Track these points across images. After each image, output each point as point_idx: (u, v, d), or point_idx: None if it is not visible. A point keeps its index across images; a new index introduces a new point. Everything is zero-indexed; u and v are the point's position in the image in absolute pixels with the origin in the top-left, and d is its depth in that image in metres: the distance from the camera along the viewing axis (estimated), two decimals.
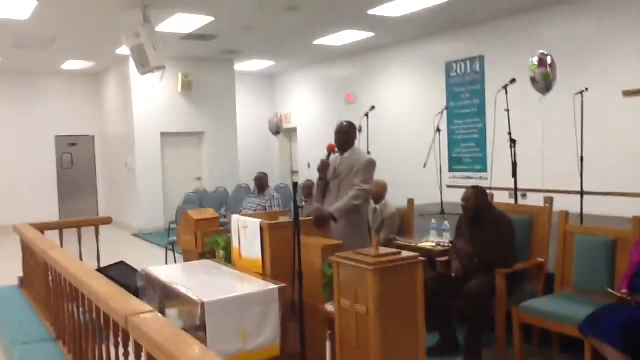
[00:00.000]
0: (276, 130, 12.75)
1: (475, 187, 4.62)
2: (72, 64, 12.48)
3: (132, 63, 8.86)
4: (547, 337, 4.39)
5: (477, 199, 4.49)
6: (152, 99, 12.01)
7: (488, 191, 4.73)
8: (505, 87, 6.21)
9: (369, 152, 6.96)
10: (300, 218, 3.71)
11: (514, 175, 6.05)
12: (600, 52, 7.83)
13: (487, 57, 9.44)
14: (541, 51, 6.40)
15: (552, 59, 6.33)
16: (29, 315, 5.59)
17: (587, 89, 6.17)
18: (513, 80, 6.25)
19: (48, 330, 5.00)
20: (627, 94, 6.50)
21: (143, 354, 2.60)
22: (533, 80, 6.34)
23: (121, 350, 3.00)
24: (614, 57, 7.68)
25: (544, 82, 6.28)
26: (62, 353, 4.45)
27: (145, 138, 12.00)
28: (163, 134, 12.23)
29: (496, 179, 7.14)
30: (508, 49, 8.98)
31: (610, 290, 3.70)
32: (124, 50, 9.92)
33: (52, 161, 13.66)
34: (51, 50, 10.66)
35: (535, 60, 6.32)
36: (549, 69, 6.25)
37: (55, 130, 13.60)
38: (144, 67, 8.13)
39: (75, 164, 14.07)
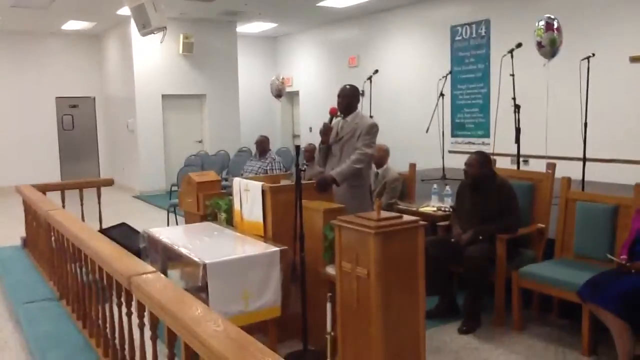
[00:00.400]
0: (278, 93, 12.66)
1: (479, 153, 4.59)
2: (73, 25, 12.32)
3: (133, 24, 8.75)
4: (547, 303, 4.43)
5: (481, 164, 4.46)
6: (153, 61, 11.89)
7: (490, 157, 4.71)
8: (511, 52, 6.13)
9: (371, 116, 6.92)
10: (302, 181, 3.71)
11: (517, 141, 6.02)
12: (608, 17, 7.70)
13: (493, 21, 9.30)
14: (548, 15, 6.29)
15: (558, 23, 6.23)
16: (32, 275, 5.65)
17: (593, 54, 6.09)
18: (519, 45, 6.16)
19: (51, 290, 5.06)
20: (635, 59, 6.42)
21: (146, 314, 2.63)
22: (539, 44, 6.25)
23: (124, 309, 3.03)
24: (622, 23, 7.56)
25: (551, 47, 6.19)
26: (66, 312, 4.51)
27: (146, 100, 11.93)
28: (164, 96, 12.14)
29: (499, 144, 7.11)
30: (514, 13, 8.84)
31: (610, 256, 3.71)
32: (124, 10, 9.78)
33: (53, 123, 13.61)
34: (51, 10, 10.50)
35: (542, 24, 6.22)
36: (555, 33, 6.15)
37: (55, 92, 13.50)
38: (145, 28, 8.03)
39: (76, 126, 14.02)
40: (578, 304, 3.72)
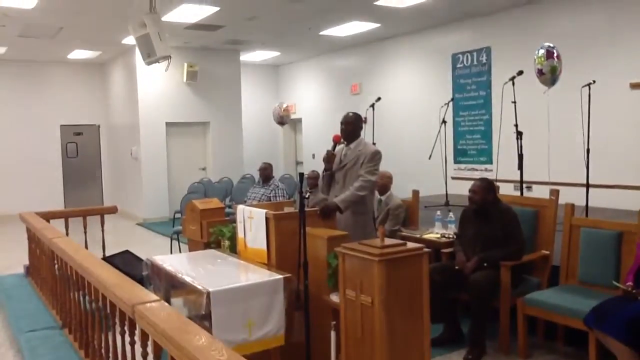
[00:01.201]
0: (280, 120, 12.72)
1: (484, 180, 4.60)
2: (78, 54, 12.47)
3: (137, 53, 8.85)
4: (552, 330, 4.39)
5: (485, 191, 4.47)
6: (158, 89, 12.01)
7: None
8: (512, 79, 6.18)
9: (374, 144, 6.95)
10: (306, 209, 3.72)
11: (520, 167, 6.03)
12: (608, 44, 7.77)
13: (493, 48, 9.38)
14: (547, 43, 6.35)
15: (558, 52, 6.29)
16: (35, 304, 5.62)
17: (594, 81, 6.14)
18: (520, 72, 6.20)
19: (54, 318, 5.03)
20: (635, 86, 6.47)
21: (149, 343, 2.62)
22: (540, 72, 6.30)
23: (127, 338, 3.01)
24: (622, 50, 7.62)
25: (551, 74, 6.24)
26: (68, 341, 4.48)
27: (150, 128, 12.00)
28: (168, 124, 12.22)
29: (501, 171, 7.13)
30: (515, 41, 8.92)
31: (615, 283, 3.69)
32: (129, 40, 9.91)
33: (57, 150, 13.69)
34: (57, 40, 10.65)
35: (542, 52, 6.28)
36: (556, 61, 6.21)
37: (60, 120, 13.62)
38: (150, 57, 8.09)
39: (81, 154, 14.10)
40: (584, 331, 3.69)
